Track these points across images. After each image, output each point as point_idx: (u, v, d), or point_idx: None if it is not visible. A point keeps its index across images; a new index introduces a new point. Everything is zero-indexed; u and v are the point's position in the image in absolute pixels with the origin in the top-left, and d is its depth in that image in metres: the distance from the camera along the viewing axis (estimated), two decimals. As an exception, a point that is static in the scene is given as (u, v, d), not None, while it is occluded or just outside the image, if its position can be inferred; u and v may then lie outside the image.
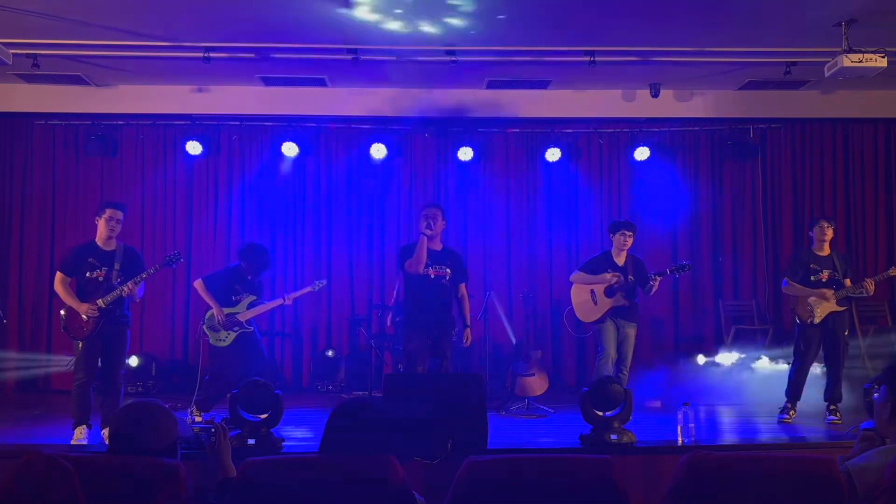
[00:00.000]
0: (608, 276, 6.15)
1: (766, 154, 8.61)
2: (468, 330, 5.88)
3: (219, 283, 6.23)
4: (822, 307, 5.98)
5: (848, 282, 5.98)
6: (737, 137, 8.39)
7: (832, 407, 5.91)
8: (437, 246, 5.81)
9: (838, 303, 5.96)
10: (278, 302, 6.27)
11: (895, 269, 6.02)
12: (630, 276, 6.14)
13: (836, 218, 8.50)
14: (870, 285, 5.93)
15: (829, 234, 6.11)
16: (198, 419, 5.88)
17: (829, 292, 5.96)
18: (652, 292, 6.18)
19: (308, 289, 6.49)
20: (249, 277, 6.22)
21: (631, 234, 6.25)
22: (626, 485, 2.48)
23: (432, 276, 5.69)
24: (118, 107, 8.02)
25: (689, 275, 8.38)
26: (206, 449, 2.98)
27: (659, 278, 6.07)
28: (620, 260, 6.25)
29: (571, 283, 6.43)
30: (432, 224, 5.69)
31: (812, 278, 6.05)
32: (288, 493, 2.34)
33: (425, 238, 5.65)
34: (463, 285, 5.90)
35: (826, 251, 6.11)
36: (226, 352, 6.11)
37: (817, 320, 5.99)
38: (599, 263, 6.31)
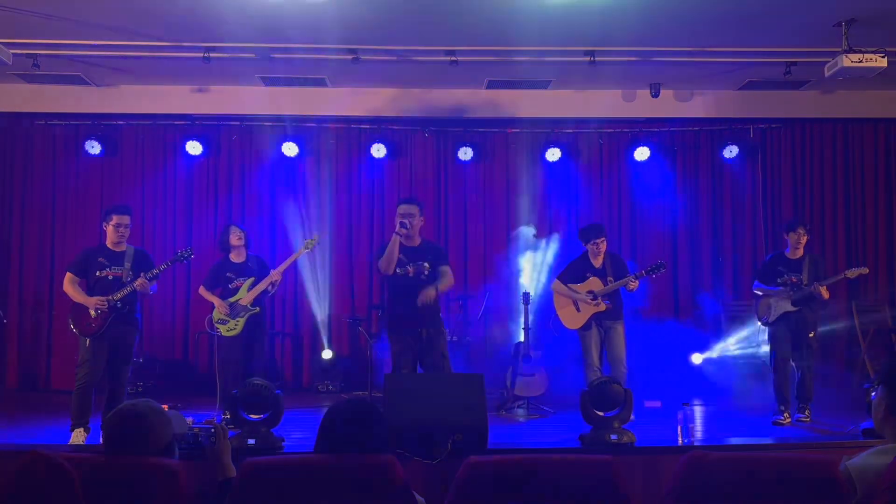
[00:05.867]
0: (587, 296, 6.20)
1: (766, 154, 8.61)
2: (432, 289, 5.34)
3: (213, 279, 6.29)
4: (778, 307, 6.07)
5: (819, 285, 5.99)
6: (737, 137, 8.39)
7: (801, 405, 5.96)
8: (415, 242, 5.56)
9: (793, 303, 6.01)
10: (269, 279, 6.21)
11: (852, 272, 6.02)
12: (610, 278, 6.17)
13: (836, 218, 8.55)
14: (824, 291, 5.94)
15: (805, 239, 6.17)
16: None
17: (785, 295, 6.05)
18: (632, 290, 6.21)
19: (298, 252, 6.43)
20: (239, 261, 6.26)
21: (601, 240, 6.29)
22: (626, 485, 2.48)
23: (410, 274, 5.46)
24: (118, 107, 8.02)
25: (690, 275, 8.40)
26: (205, 449, 2.98)
27: (637, 280, 6.13)
28: (598, 262, 6.29)
29: (552, 292, 6.48)
30: (407, 223, 5.42)
31: (779, 280, 6.14)
32: (288, 493, 2.33)
33: (398, 238, 5.40)
34: (445, 268, 5.54)
35: (799, 254, 6.16)
36: (234, 341, 6.11)
37: (771, 319, 6.10)
38: (577, 268, 6.35)
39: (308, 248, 6.43)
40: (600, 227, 6.42)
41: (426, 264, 5.50)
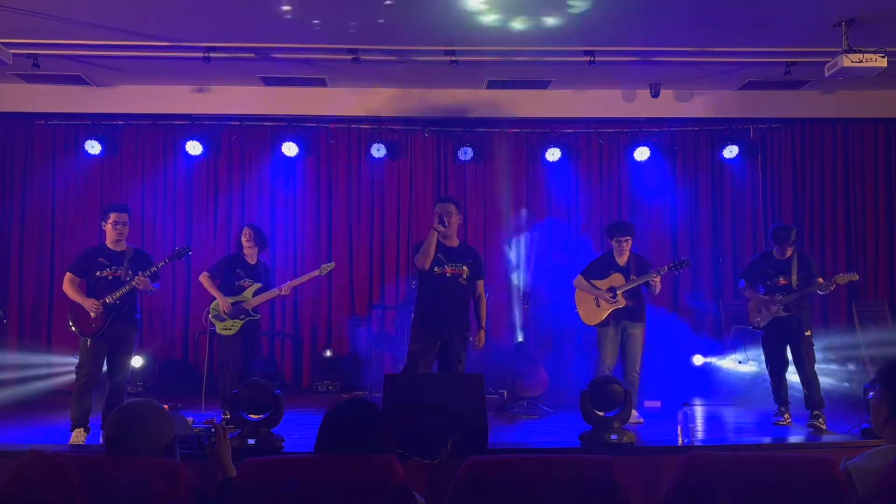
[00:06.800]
0: (606, 293, 6.17)
1: (766, 154, 8.61)
2: (482, 332, 5.61)
3: (221, 272, 6.28)
4: (766, 313, 5.99)
5: (821, 279, 5.89)
6: (737, 137, 8.39)
7: (815, 412, 5.78)
8: (454, 242, 5.54)
9: (784, 309, 5.89)
10: (275, 292, 6.23)
11: (842, 277, 5.85)
12: (632, 276, 6.14)
13: (836, 218, 8.55)
14: (831, 286, 5.81)
15: (791, 249, 6.03)
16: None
17: (776, 299, 5.92)
18: (656, 291, 6.14)
19: (310, 274, 6.43)
20: (252, 262, 6.26)
21: (626, 238, 6.22)
22: (626, 485, 2.48)
23: (448, 274, 5.41)
24: (118, 107, 8.02)
25: (689, 275, 8.40)
26: (206, 449, 2.98)
27: (658, 276, 6.05)
28: (622, 260, 6.24)
29: (574, 287, 6.44)
30: (446, 220, 5.38)
31: (768, 283, 6.05)
32: (288, 493, 2.34)
33: (436, 234, 5.35)
34: (480, 283, 5.61)
35: (788, 255, 6.03)
36: (231, 340, 6.12)
37: (762, 325, 6.03)
38: (601, 265, 6.31)
39: (322, 273, 6.44)
40: (626, 226, 6.35)
41: (465, 268, 5.47)
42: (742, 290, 6.32)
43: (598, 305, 6.23)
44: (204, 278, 6.27)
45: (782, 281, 5.97)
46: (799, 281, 5.92)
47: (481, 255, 5.73)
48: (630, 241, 6.25)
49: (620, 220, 6.62)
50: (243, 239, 6.29)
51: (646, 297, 6.32)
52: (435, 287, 5.43)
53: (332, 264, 6.53)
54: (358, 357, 8.08)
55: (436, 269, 5.42)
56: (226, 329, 6.12)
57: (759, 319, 6.05)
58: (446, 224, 5.38)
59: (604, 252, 6.48)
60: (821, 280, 5.85)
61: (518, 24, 6.22)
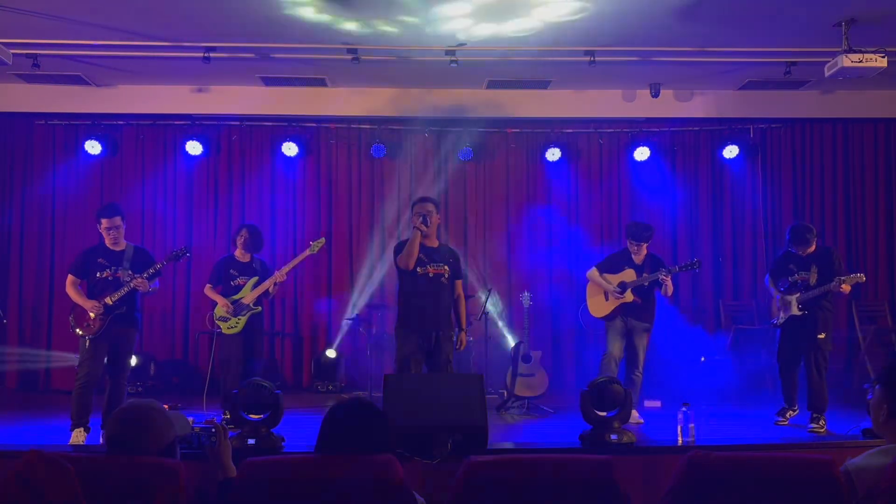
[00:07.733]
0: (611, 286, 6.19)
1: (766, 154, 8.61)
2: (463, 333, 5.60)
3: (217, 275, 6.30)
4: (784, 311, 5.95)
5: (839, 278, 5.75)
6: (737, 137, 8.39)
7: (814, 415, 5.73)
8: (434, 243, 5.54)
9: (800, 307, 5.83)
10: (273, 279, 6.20)
11: (850, 278, 5.69)
12: (645, 273, 6.14)
13: (836, 218, 8.55)
14: (844, 287, 5.68)
15: (812, 248, 5.95)
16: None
17: (793, 297, 5.88)
18: (668, 293, 6.13)
19: (302, 254, 6.37)
20: (244, 261, 6.27)
21: (636, 243, 6.20)
22: (626, 485, 2.48)
23: (431, 274, 5.40)
24: (118, 107, 8.02)
25: (689, 274, 8.39)
26: (206, 449, 2.98)
27: (668, 276, 6.04)
28: (638, 259, 6.25)
29: (586, 281, 6.46)
30: (427, 220, 5.35)
31: (790, 279, 6.00)
32: (288, 493, 2.34)
33: (419, 233, 5.32)
34: (459, 283, 5.61)
35: (810, 251, 5.94)
36: (234, 339, 6.12)
37: (780, 322, 6.00)
38: (618, 260, 6.33)
39: (314, 251, 6.40)
40: (643, 233, 6.26)
41: (446, 268, 5.47)
42: (766, 287, 6.28)
43: (606, 299, 6.26)
44: (208, 290, 6.27)
45: (801, 278, 5.91)
46: (818, 278, 5.84)
47: (459, 256, 5.73)
48: (638, 247, 6.25)
49: (643, 222, 6.49)
50: (238, 240, 6.30)
51: (658, 300, 6.31)
52: (419, 287, 5.41)
53: (322, 240, 6.48)
54: (358, 357, 8.09)
55: (419, 269, 5.41)
56: (231, 328, 6.12)
57: (780, 315, 6.00)
58: (429, 223, 5.36)
59: (622, 248, 6.48)
60: (838, 279, 5.72)
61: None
